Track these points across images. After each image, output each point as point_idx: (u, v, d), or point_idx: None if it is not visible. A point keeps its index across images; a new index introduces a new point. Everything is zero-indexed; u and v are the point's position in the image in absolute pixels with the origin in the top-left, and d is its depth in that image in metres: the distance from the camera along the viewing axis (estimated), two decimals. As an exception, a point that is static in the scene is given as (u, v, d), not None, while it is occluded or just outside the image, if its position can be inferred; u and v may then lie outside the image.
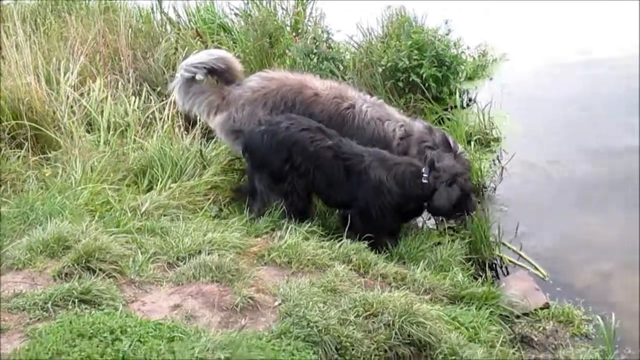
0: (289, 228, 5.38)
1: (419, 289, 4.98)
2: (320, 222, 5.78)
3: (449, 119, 7.73)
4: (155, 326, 3.62)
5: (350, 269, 4.97)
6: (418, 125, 6.35)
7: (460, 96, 8.46)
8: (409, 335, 3.97)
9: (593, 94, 8.30)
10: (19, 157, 6.33)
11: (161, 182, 6.22)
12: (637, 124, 7.35)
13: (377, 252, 5.46)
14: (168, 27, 9.58)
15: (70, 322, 3.60)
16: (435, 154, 5.99)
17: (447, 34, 8.40)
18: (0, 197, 5.60)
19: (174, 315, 3.98)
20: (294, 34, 9.07)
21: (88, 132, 7.23)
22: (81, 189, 5.79)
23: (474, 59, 9.32)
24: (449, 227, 6.09)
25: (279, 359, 3.53)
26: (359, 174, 5.66)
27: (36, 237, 4.62)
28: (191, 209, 5.93)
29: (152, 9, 9.94)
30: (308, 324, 3.87)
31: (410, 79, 7.99)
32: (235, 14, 9.68)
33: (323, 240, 5.37)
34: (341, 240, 5.34)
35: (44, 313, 3.80)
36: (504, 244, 6.07)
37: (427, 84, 8.03)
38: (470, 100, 8.58)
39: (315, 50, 8.27)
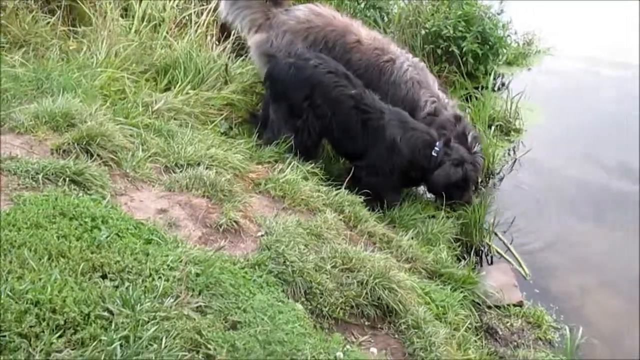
0: (292, 164, 5.37)
1: (401, 256, 4.99)
2: (323, 166, 5.74)
3: (477, 98, 7.65)
4: (137, 224, 3.62)
5: (340, 219, 4.96)
6: (448, 111, 6.23)
7: (494, 78, 8.38)
8: (378, 298, 3.97)
9: (627, 107, 8.13)
10: (48, 22, 6.28)
11: (180, 85, 6.18)
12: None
13: (372, 209, 5.46)
14: None
15: (56, 199, 3.60)
16: (455, 136, 5.98)
17: (498, 14, 8.27)
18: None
19: (158, 219, 3.98)
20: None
21: (122, 17, 7.15)
22: (100, 71, 5.76)
23: (519, 45, 9.17)
24: (447, 204, 6.07)
25: (248, 287, 3.53)
26: (376, 130, 5.63)
27: (44, 107, 4.60)
28: (202, 119, 5.92)
29: None
30: (284, 262, 3.87)
31: (450, 49, 7.88)
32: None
33: (321, 185, 5.36)
34: (339, 189, 5.32)
35: (33, 183, 3.80)
36: (495, 234, 6.06)
37: (465, 58, 7.96)
38: (503, 85, 8.49)
39: (364, -5, 8.14)
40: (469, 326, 4.66)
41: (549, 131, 7.68)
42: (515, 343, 4.95)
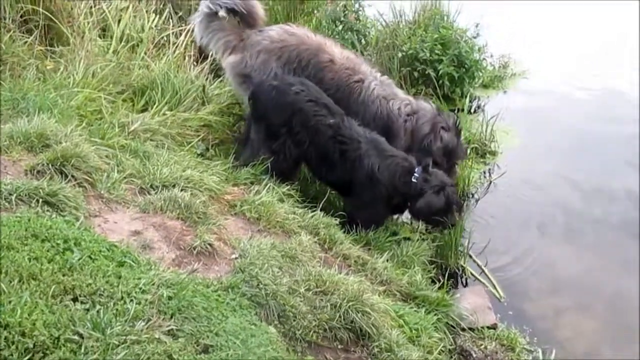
0: (268, 185, 5.38)
1: (376, 279, 5.02)
2: (299, 188, 5.76)
3: (453, 120, 7.69)
4: (110, 247, 3.61)
5: (316, 242, 4.97)
6: (425, 104, 6.37)
7: (470, 101, 8.46)
8: (351, 322, 3.99)
9: (604, 130, 8.24)
10: (25, 42, 6.27)
11: (157, 106, 6.19)
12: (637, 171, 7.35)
13: (347, 231, 5.49)
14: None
15: (29, 220, 3.58)
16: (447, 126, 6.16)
17: (474, 37, 8.37)
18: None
19: (132, 241, 3.98)
20: (327, -5, 8.99)
21: (100, 37, 7.17)
22: (77, 91, 5.76)
23: (494, 68, 9.26)
24: (424, 228, 6.12)
25: (220, 310, 3.53)
26: (353, 161, 5.66)
27: (19, 127, 4.59)
28: (179, 140, 5.93)
29: None
30: (258, 285, 3.87)
31: (427, 72, 7.96)
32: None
33: (297, 206, 5.37)
34: (315, 211, 5.34)
35: (6, 204, 3.78)
36: (470, 256, 6.10)
37: (441, 81, 8.03)
38: (479, 107, 8.57)
39: (342, 18, 8.20)
40: (443, 349, 4.68)
41: (524, 153, 7.75)
42: (489, 365, 4.98)
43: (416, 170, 5.67)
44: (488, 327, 5.28)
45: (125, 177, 4.71)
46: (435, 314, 4.94)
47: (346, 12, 8.30)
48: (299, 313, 3.90)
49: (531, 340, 5.29)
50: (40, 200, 3.91)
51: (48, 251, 3.37)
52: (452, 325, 5.11)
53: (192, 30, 6.88)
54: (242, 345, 3.31)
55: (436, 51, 7.96)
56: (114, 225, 4.13)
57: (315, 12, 8.52)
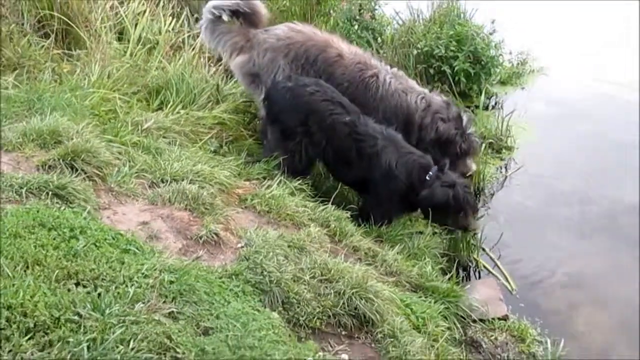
0: (280, 180, 5.45)
1: (386, 270, 5.05)
2: (312, 182, 5.82)
3: (469, 117, 7.71)
4: (115, 235, 3.70)
5: (325, 234, 5.03)
6: (437, 98, 6.41)
7: (488, 98, 8.46)
8: (355, 308, 4.02)
9: (623, 127, 8.19)
10: (42, 46, 6.41)
11: (171, 106, 6.29)
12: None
13: (359, 224, 5.53)
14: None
15: (38, 211, 3.68)
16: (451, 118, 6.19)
17: (490, 34, 8.37)
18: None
19: (139, 231, 4.07)
20: (343, -6, 9.04)
21: (117, 40, 7.31)
22: (92, 92, 5.88)
23: (512, 65, 9.25)
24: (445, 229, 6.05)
25: (223, 295, 3.60)
26: (370, 157, 5.68)
27: (33, 125, 4.71)
28: (192, 138, 6.01)
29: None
30: (262, 272, 3.93)
31: (442, 69, 7.98)
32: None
33: (308, 200, 5.43)
34: (326, 204, 5.39)
35: (17, 196, 3.89)
36: (483, 249, 6.10)
37: (457, 78, 8.03)
38: (496, 104, 8.56)
39: (357, 17, 8.26)
40: (451, 338, 4.69)
41: (541, 149, 7.73)
42: (499, 356, 4.97)
43: (432, 169, 5.68)
44: (499, 319, 5.27)
45: (136, 172, 4.80)
46: (444, 304, 4.95)
47: (362, 10, 8.34)
48: (303, 300, 3.95)
49: (542, 332, 5.27)
50: (50, 192, 4.01)
51: (54, 239, 3.47)
52: (462, 316, 5.11)
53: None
54: (242, 328, 3.37)
55: (451, 48, 7.98)
56: (122, 217, 4.22)
57: (332, 12, 8.55)
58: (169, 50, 7.39)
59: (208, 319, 3.34)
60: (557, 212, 6.82)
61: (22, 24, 6.57)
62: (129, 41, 7.25)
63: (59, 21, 6.69)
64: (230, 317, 3.41)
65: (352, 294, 4.06)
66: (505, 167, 7.42)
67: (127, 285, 3.25)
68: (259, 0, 6.61)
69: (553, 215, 6.80)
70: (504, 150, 7.58)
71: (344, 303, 4.03)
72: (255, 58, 6.34)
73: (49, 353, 2.74)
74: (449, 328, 4.76)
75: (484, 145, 7.23)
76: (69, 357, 2.74)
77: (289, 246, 4.44)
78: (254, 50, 6.37)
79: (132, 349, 2.86)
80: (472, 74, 8.09)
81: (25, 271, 3.16)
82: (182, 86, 6.52)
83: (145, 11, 7.69)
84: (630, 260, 6.13)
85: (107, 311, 2.99)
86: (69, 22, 6.73)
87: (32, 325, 2.83)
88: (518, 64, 9.32)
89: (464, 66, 7.96)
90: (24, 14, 6.64)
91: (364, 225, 5.56)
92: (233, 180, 5.25)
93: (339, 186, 6.00)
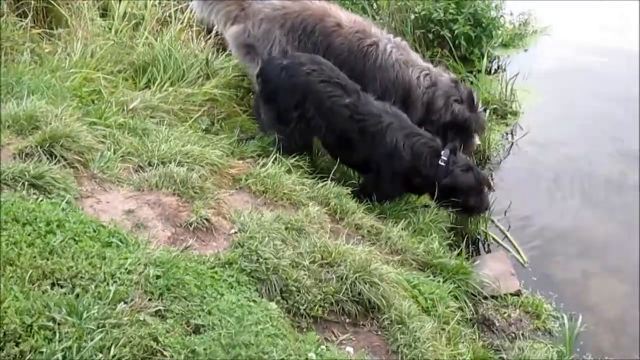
0: (275, 158, 5.16)
1: (391, 248, 4.80)
2: (309, 158, 5.53)
3: (471, 82, 7.41)
4: (96, 227, 3.43)
5: (325, 212, 4.76)
6: (445, 76, 6.11)
7: (490, 61, 8.14)
8: (359, 294, 3.77)
9: (628, 88, 7.82)
10: (21, 26, 6.08)
11: (159, 84, 5.97)
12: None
13: (359, 200, 5.24)
14: None
15: (12, 204, 3.41)
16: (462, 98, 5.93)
17: (491, -6, 8.04)
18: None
19: (124, 220, 3.79)
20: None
21: (101, 17, 6.98)
22: (74, 72, 5.56)
23: (514, 26, 8.89)
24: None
25: (216, 287, 3.33)
26: (374, 135, 5.33)
27: (8, 110, 4.41)
28: (182, 117, 5.69)
29: None
30: (257, 259, 3.67)
31: (441, 33, 7.65)
32: None
33: (306, 177, 5.15)
34: (325, 181, 5.11)
35: (-12, 189, 3.62)
36: (492, 221, 5.83)
37: (457, 42, 7.71)
38: (499, 67, 8.25)
39: (350, -18, 7.93)
40: (462, 319, 4.45)
41: (547, 113, 7.43)
42: (513, 334, 4.74)
43: (443, 152, 5.33)
44: (511, 294, 5.04)
45: (122, 156, 4.52)
46: (453, 282, 4.70)
47: (355, -25, 8.01)
48: (303, 287, 3.69)
49: (557, 306, 5.05)
50: (26, 183, 3.73)
51: (29, 235, 3.20)
52: (472, 294, 4.87)
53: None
54: (236, 323, 3.11)
55: (450, 11, 7.65)
56: (106, 206, 3.94)
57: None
58: (156, 25, 7.05)
59: (199, 316, 3.08)
60: (566, 178, 6.54)
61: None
62: (113, 18, 6.91)
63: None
64: (224, 312, 3.15)
65: (356, 278, 3.80)
66: (511, 133, 7.10)
67: (108, 284, 2.98)
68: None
69: (562, 181, 6.51)
70: (509, 116, 7.28)
71: (346, 288, 3.77)
72: (250, 29, 6.01)
73: (19, 366, 2.48)
74: (460, 308, 4.52)
75: (488, 111, 6.91)
76: (42, 369, 2.47)
77: (286, 228, 4.18)
78: (249, 20, 6.04)
79: (114, 356, 2.60)
80: (473, 37, 7.76)
81: (-5, 273, 2.89)
82: (169, 62, 6.19)
83: (129, -15, 7.34)
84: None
85: (85, 315, 2.72)
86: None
87: (1, 335, 2.56)
88: (520, 25, 8.97)
89: (464, 29, 7.63)
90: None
91: (366, 202, 5.27)
92: (225, 160, 4.96)
93: (338, 161, 5.70)
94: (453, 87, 6.02)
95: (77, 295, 2.84)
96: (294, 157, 5.31)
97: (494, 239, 5.71)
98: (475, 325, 4.68)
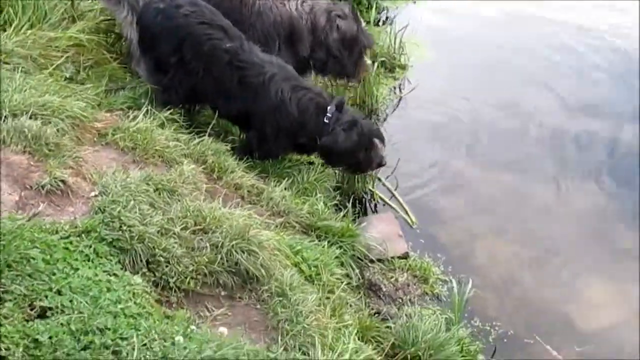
0: (147, 111, 4.68)
1: (272, 210, 4.47)
2: (186, 112, 5.08)
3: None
4: None
5: (202, 171, 4.37)
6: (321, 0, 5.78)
7: (378, 12, 7.84)
8: (236, 264, 3.40)
9: (516, 44, 7.76)
10: None
11: (17, 25, 5.33)
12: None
13: (240, 158, 4.85)
14: None
15: None
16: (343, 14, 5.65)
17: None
18: None
19: (-37, 183, 3.28)
20: None
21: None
22: None
23: (403, -24, 8.60)
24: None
25: (69, 261, 2.89)
26: (255, 88, 4.90)
27: None
28: (42, 63, 5.08)
29: None
30: (120, 227, 3.24)
31: (329, -18, 7.25)
32: None
33: (181, 133, 4.71)
34: (202, 136, 4.69)
35: None
36: (379, 179, 5.58)
37: (345, -8, 7.32)
38: (387, 19, 7.95)
39: None
40: (348, 287, 4.17)
41: (436, 67, 7.22)
42: (400, 300, 4.53)
43: (329, 108, 4.95)
44: (399, 257, 4.84)
45: (-36, 108, 3.94)
46: (339, 246, 4.41)
47: None
48: (173, 257, 3.30)
49: (445, 269, 4.88)
50: None
51: None
52: (359, 258, 4.60)
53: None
54: (92, 304, 2.70)
55: (334, -45, 7.23)
56: (-57, 165, 3.40)
57: None
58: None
59: (46, 297, 2.65)
60: (452, 132, 6.37)
61: None
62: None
63: None
64: (77, 291, 2.73)
65: (232, 246, 3.43)
66: (400, 88, 6.85)
67: None
68: None
69: (449, 136, 6.34)
70: (397, 69, 7.01)
71: (222, 258, 3.40)
72: None
73: None
74: (346, 274, 4.23)
75: (375, 63, 6.62)
76: None
77: (156, 190, 3.76)
78: None
79: None
80: (359, -14, 7.41)
81: None
82: (28, 1, 5.54)
83: None
84: (533, 181, 5.81)
85: None
86: None
87: None
88: (409, -25, 8.66)
89: (352, -21, 7.26)
90: None
91: (246, 160, 4.88)
92: (90, 113, 4.44)
93: (217, 114, 5.27)
94: (332, 4, 5.74)
95: None
96: (169, 109, 4.86)
97: (381, 198, 5.45)
98: (362, 292, 4.43)
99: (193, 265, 3.32)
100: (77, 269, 2.88)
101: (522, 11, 8.27)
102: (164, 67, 5.04)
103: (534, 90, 6.94)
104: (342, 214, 4.75)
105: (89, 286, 2.79)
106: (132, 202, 3.41)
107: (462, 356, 4.09)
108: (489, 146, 6.22)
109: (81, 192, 3.53)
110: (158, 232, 3.36)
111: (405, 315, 4.27)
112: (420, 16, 7.93)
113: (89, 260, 3.01)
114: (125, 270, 3.13)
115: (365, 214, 5.37)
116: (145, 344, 2.61)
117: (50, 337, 2.43)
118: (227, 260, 3.40)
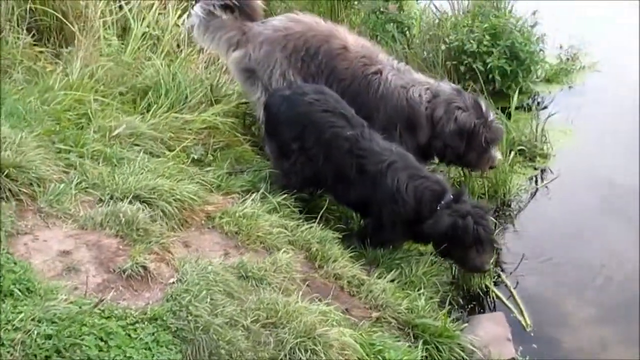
0: (262, 195, 4.83)
1: (370, 303, 4.39)
2: (297, 196, 5.15)
3: (501, 119, 6.86)
4: (5, 272, 3.14)
5: (304, 259, 4.40)
6: (445, 86, 5.72)
7: (529, 98, 7.62)
8: (297, 362, 3.37)
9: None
10: (20, 44, 5.91)
11: (155, 109, 5.70)
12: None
13: (348, 246, 4.84)
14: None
15: None
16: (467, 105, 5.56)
17: (531, 26, 7.51)
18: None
19: (56, 262, 3.52)
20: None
21: (120, 36, 6.78)
22: (65, 94, 5.34)
23: (561, 60, 8.28)
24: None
25: (123, 349, 2.99)
26: (374, 176, 4.92)
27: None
28: (170, 145, 5.39)
29: None
30: (187, 316, 3.32)
31: (474, 66, 7.17)
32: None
33: (290, 219, 4.78)
34: (311, 223, 4.73)
35: None
36: (498, 275, 5.32)
37: (491, 76, 7.20)
38: (538, 105, 7.68)
39: (382, 9, 7.53)
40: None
41: (582, 156, 6.81)
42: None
43: (446, 196, 4.89)
44: (503, 363, 4.53)
45: (84, 188, 4.25)
46: (435, 348, 4.23)
47: (387, 1, 7.60)
48: (236, 350, 3.32)
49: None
50: (-45, 216, 3.49)
51: None
52: (457, 360, 4.38)
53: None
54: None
55: (485, 42, 7.14)
56: (42, 245, 3.67)
57: (356, 2, 7.83)
58: (174, 46, 6.83)
59: (88, 385, 2.74)
60: (591, 231, 5.93)
61: (10, 20, 6.09)
62: (132, 37, 6.69)
63: (51, 17, 6.21)
64: (121, 382, 2.80)
65: (296, 344, 3.40)
66: (539, 178, 6.55)
67: (-19, 344, 2.68)
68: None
69: (585, 234, 5.90)
70: (538, 158, 6.71)
71: (285, 355, 3.37)
72: (251, 52, 5.72)
73: None
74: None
75: (512, 152, 6.39)
76: None
77: (242, 277, 3.82)
78: (250, 44, 5.75)
79: None
80: (509, 72, 7.23)
81: None
82: (172, 86, 5.92)
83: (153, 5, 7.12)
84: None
85: None
86: (62, 17, 6.23)
87: None
88: (567, 59, 8.33)
89: (498, 63, 7.12)
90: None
91: (352, 249, 4.86)
92: (201, 197, 4.62)
93: (327, 201, 5.30)
94: (455, 95, 5.62)
95: None
96: (283, 194, 4.97)
97: (497, 296, 5.18)
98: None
99: (254, 360, 3.32)
100: (131, 357, 2.97)
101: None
102: (287, 152, 5.16)
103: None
104: (443, 311, 4.55)
105: (136, 378, 2.86)
106: (204, 292, 3.48)
107: None
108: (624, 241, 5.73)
109: (160, 278, 3.66)
110: (226, 323, 3.40)
111: None
112: (572, 102, 7.58)
113: (147, 349, 3.09)
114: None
115: (483, 311, 5.13)
116: None
117: None
118: (289, 359, 3.37)
